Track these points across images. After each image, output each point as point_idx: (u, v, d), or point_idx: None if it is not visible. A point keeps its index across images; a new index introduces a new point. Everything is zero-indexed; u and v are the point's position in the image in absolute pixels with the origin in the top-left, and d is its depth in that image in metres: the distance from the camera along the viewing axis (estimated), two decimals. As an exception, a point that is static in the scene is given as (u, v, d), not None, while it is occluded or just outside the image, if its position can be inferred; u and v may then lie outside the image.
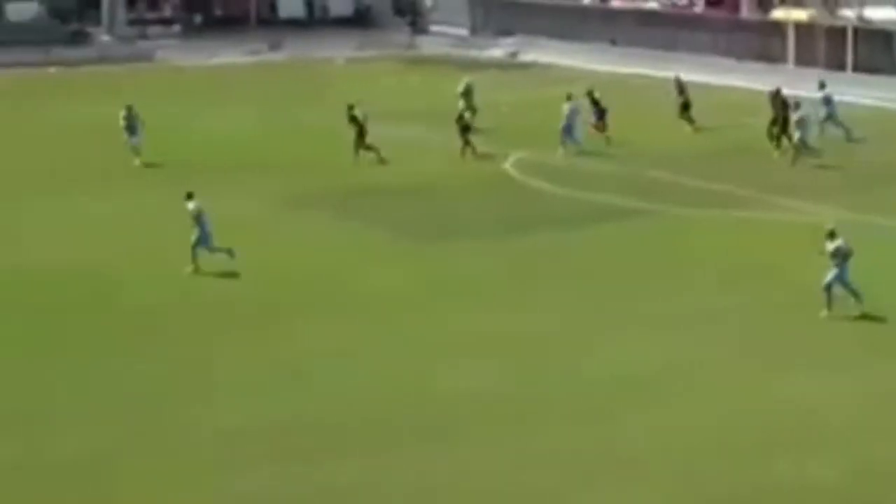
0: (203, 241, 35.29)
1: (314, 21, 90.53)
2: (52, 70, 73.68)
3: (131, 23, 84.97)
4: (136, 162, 47.89)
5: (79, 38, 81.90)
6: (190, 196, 35.72)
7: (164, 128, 50.87)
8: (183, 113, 57.97)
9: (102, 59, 77.65)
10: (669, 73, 57.40)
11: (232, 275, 35.23)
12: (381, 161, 47.87)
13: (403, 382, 28.21)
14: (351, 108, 48.66)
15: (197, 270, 35.30)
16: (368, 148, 48.16)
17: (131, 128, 48.16)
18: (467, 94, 53.79)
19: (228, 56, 78.58)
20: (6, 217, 42.14)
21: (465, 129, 48.65)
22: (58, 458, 24.75)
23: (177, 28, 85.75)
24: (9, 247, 38.70)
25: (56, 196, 44.07)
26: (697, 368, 28.92)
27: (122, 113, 48.27)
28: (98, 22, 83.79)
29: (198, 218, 35.32)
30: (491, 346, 30.16)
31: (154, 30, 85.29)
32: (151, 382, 28.39)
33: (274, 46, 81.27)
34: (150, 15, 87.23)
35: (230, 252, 35.34)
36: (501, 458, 24.47)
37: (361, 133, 48.23)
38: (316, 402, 27.22)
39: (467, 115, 49.95)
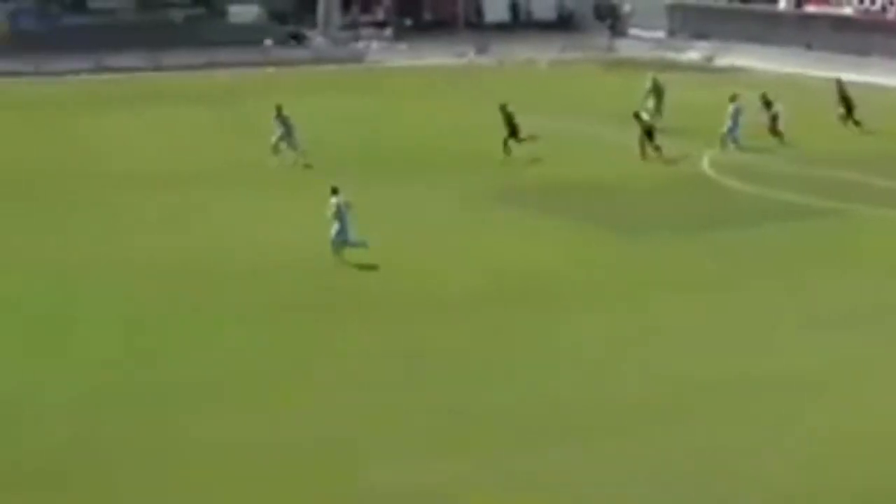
0: (340, 234, 35.49)
1: (518, 25, 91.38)
2: (270, 70, 75.58)
3: (345, 26, 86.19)
4: (274, 162, 48.00)
5: (296, 40, 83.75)
6: (335, 191, 35.90)
7: (369, 126, 52.01)
8: (386, 111, 59.23)
9: (317, 60, 79.30)
10: (865, 78, 57.28)
11: (371, 267, 35.41)
12: (536, 158, 48.22)
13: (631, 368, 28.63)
14: (504, 106, 48.95)
15: (342, 262, 35.49)
16: (522, 141, 48.47)
17: (287, 128, 48.33)
18: (657, 93, 54.22)
19: (435, 58, 79.67)
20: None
21: (648, 130, 48.59)
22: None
23: (388, 31, 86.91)
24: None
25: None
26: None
27: (273, 114, 48.47)
28: (314, 24, 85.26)
29: (338, 212, 35.54)
30: (706, 333, 30.72)
31: (366, 32, 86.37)
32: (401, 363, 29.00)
33: (480, 49, 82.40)
34: (363, 18, 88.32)
35: (364, 244, 35.47)
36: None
37: (514, 130, 48.58)
38: (551, 385, 27.60)
39: (644, 115, 49.88)
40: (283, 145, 48.20)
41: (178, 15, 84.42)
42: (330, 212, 35.67)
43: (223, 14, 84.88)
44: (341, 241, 35.57)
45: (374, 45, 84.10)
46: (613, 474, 23.34)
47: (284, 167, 47.55)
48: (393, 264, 35.70)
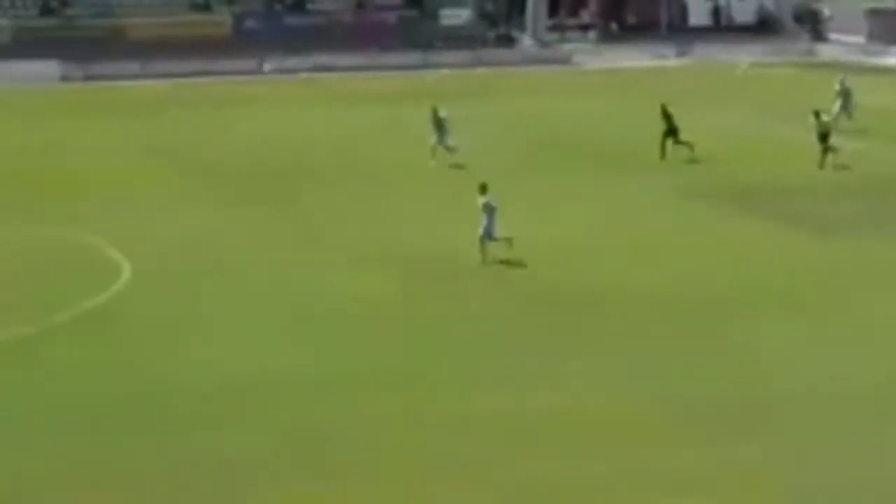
0: (486, 230, 35.27)
1: (720, 28, 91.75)
2: (481, 70, 77.02)
3: (552, 28, 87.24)
4: (432, 162, 47.82)
5: (505, 42, 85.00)
6: (484, 189, 35.84)
7: (571, 126, 52.96)
8: (587, 111, 59.89)
9: (525, 61, 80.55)
10: None
11: (519, 263, 35.26)
12: (694, 160, 47.95)
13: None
14: (664, 106, 48.69)
15: (484, 261, 35.19)
16: (682, 143, 48.08)
17: (441, 128, 48.23)
18: (845, 95, 54.17)
19: (637, 60, 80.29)
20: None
21: (825, 132, 47.20)
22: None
23: (593, 34, 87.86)
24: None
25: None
26: None
27: (429, 115, 48.56)
28: (523, 27, 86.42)
29: (487, 210, 35.45)
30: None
31: (573, 35, 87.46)
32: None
33: (681, 52, 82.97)
34: (570, 21, 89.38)
35: (509, 241, 35.29)
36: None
37: (673, 130, 48.18)
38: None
39: (825, 116, 48.47)
40: (446, 143, 48.26)
41: (389, 17, 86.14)
42: (480, 208, 35.58)
43: (435, 16, 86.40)
44: (487, 236, 35.50)
45: (580, 47, 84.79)
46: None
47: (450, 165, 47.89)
48: (599, 262, 35.84)
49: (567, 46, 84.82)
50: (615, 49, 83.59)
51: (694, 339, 29.64)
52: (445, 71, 76.42)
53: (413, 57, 78.39)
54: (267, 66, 75.59)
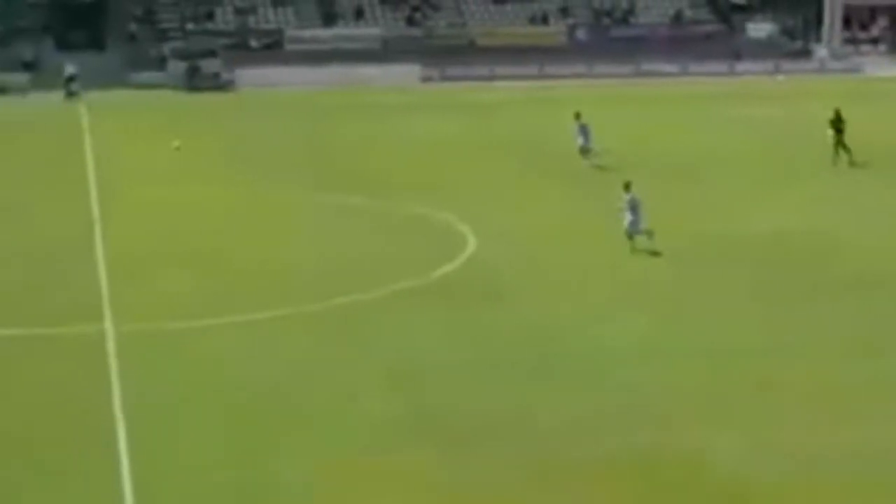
0: (633, 224, 35.19)
1: None
2: (780, 78, 76.78)
3: (846, 41, 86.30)
4: (585, 163, 47.18)
5: (803, 53, 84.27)
6: (627, 187, 35.63)
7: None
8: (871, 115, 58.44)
9: (820, 71, 79.87)
10: None
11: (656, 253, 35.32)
12: (853, 163, 46.96)
13: None
14: (837, 111, 47.41)
15: (633, 251, 35.19)
16: (846, 149, 46.95)
17: (583, 132, 47.43)
18: None
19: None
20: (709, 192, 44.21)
21: None
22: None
23: (883, 46, 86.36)
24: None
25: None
26: None
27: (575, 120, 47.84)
28: (819, 40, 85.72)
29: (631, 205, 35.30)
30: None
31: (864, 48, 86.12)
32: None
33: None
34: (861, 35, 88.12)
35: (650, 234, 35.15)
36: None
37: (840, 134, 46.91)
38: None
39: None
40: (587, 146, 47.46)
41: (702, 30, 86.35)
42: (623, 204, 35.52)
43: (742, 30, 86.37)
44: (633, 230, 35.32)
45: (871, 59, 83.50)
46: None
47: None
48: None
49: (859, 58, 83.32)
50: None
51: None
52: (780, 77, 76.23)
53: (721, 66, 78.48)
54: (594, 71, 76.30)
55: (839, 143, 47.38)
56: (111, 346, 28.40)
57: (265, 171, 48.29)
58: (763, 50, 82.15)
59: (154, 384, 26.07)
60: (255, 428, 23.92)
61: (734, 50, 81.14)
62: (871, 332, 28.89)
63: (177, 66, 75.98)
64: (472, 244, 36.84)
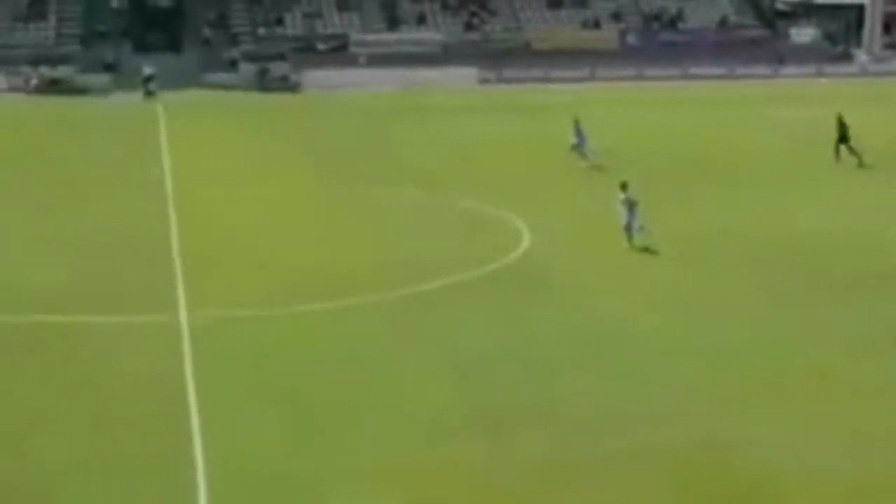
0: (628, 224, 35.09)
1: None
2: (823, 81, 76.34)
3: (886, 46, 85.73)
4: (583, 164, 47.04)
5: (844, 58, 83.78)
6: (624, 187, 35.47)
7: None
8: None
9: (860, 74, 79.48)
10: None
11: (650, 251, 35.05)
12: (861, 164, 46.43)
13: None
14: (840, 115, 47.06)
15: (631, 248, 35.08)
16: (853, 152, 46.45)
17: (579, 136, 47.32)
18: None
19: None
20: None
21: None
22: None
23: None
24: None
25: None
26: None
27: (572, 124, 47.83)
28: (859, 45, 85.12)
29: (626, 204, 35.12)
30: None
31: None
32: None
33: None
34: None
35: (644, 230, 34.95)
36: None
37: (845, 136, 46.50)
38: None
39: None
40: (583, 150, 47.33)
41: (747, 35, 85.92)
42: (619, 204, 35.38)
43: (786, 35, 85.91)
44: (629, 228, 35.26)
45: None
46: None
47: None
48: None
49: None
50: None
51: None
52: (823, 80, 75.66)
53: (765, 69, 78.16)
54: (645, 73, 76.11)
55: (840, 146, 47.11)
56: (185, 334, 28.71)
57: (330, 168, 48.58)
58: (806, 54, 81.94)
59: (224, 370, 26.39)
60: (316, 415, 24.13)
61: (778, 54, 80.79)
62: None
63: (248, 69, 76.70)
64: (526, 240, 36.93)
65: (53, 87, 72.62)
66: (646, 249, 35.38)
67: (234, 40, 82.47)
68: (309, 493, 20.86)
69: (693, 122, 59.41)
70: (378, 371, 26.46)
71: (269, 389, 25.43)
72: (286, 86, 75.05)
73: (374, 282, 32.74)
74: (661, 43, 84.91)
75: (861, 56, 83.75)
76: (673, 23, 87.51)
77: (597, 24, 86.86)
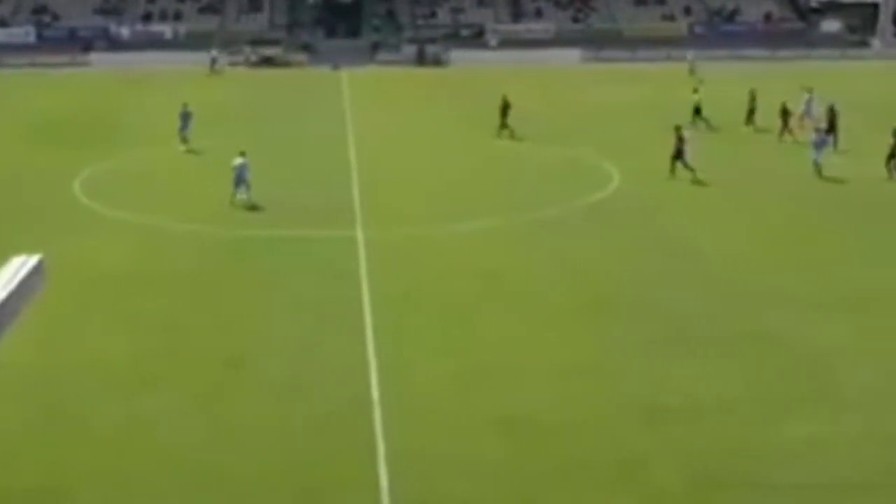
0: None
1: None
2: (842, 62, 73.32)
3: (895, 35, 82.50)
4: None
5: (862, 44, 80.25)
6: (678, 128, 35.01)
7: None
8: None
9: (875, 57, 75.75)
10: None
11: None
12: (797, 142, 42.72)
13: None
14: (809, 87, 44.06)
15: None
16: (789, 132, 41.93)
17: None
18: None
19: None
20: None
21: None
22: None
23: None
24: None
25: None
26: None
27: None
28: (875, 34, 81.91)
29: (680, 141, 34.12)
30: None
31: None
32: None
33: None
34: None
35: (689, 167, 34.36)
36: None
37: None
38: None
39: None
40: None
41: (787, 26, 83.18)
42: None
43: (817, 26, 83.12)
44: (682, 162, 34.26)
45: (913, 47, 79.74)
46: None
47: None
48: None
49: (906, 47, 79.71)
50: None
51: None
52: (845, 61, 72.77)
53: (800, 52, 75.59)
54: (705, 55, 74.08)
55: (786, 126, 43.25)
56: (360, 246, 28.59)
57: (471, 122, 48.10)
58: (832, 41, 79.05)
59: (393, 278, 26.16)
60: (467, 310, 23.78)
61: (810, 41, 78.12)
62: None
63: (409, 49, 76.32)
64: (616, 179, 36.26)
65: (266, 62, 73.03)
66: (697, 182, 34.45)
67: (398, 28, 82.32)
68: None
69: (741, 90, 57.69)
70: (520, 272, 26.17)
71: (433, 292, 25.09)
72: (438, 62, 74.56)
73: (507, 209, 32.34)
74: (721, 32, 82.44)
75: (876, 43, 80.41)
76: (731, 17, 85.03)
77: (672, 18, 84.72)
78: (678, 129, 36.13)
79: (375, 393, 19.28)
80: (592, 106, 53.38)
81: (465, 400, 19.10)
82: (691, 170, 35.20)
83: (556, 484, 16.11)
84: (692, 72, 63.94)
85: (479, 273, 25.95)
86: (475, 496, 15.73)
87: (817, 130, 36.41)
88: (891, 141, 35.13)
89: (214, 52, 70.13)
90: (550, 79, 64.71)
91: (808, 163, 35.58)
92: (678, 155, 35.32)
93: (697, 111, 45.60)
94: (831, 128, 38.82)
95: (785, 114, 42.51)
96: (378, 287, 24.74)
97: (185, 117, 41.57)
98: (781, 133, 42.36)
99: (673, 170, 35.43)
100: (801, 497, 15.90)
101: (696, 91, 46.96)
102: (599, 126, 47.29)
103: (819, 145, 35.26)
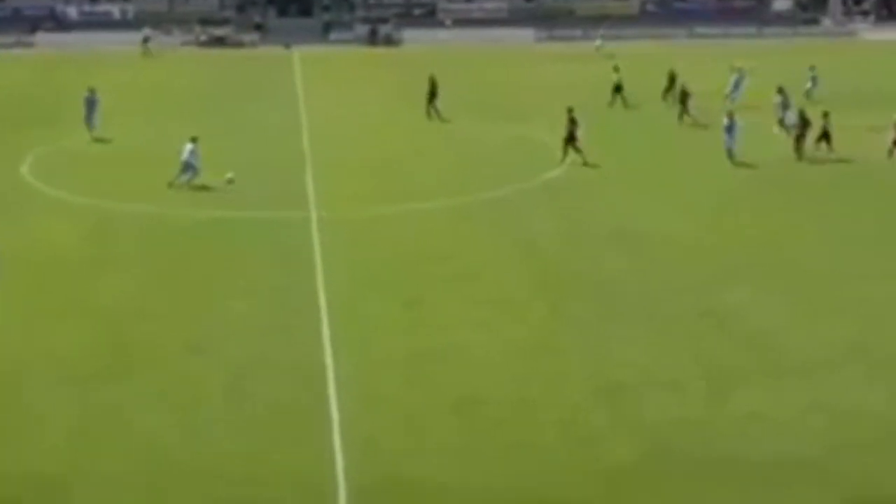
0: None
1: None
2: (796, 40, 73.85)
3: (845, 13, 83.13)
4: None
5: (812, 22, 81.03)
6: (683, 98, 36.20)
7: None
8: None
9: (825, 35, 76.62)
10: None
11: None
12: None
13: None
14: (671, 72, 45.08)
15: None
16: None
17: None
18: None
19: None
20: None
21: None
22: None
23: (871, 17, 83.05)
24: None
25: None
26: None
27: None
28: (825, 12, 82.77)
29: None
30: None
31: (857, 18, 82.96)
32: None
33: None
34: (855, 9, 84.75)
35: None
36: None
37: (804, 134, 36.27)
38: None
39: None
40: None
41: (740, 4, 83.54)
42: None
43: (769, 5, 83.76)
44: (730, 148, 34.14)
45: (863, 26, 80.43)
46: None
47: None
48: None
49: (852, 26, 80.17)
50: (888, 27, 78.21)
51: None
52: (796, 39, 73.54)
53: (753, 30, 76.13)
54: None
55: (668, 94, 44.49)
56: (314, 228, 28.64)
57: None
58: (784, 20, 79.61)
59: (346, 259, 26.27)
60: (421, 282, 23.97)
61: (762, 20, 78.75)
62: None
63: (361, 29, 75.95)
64: (568, 157, 36.35)
65: (217, 42, 72.40)
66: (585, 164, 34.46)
67: (350, 8, 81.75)
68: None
69: (696, 70, 57.88)
70: (469, 251, 26.34)
71: (384, 271, 25.25)
72: (389, 42, 74.33)
73: (459, 189, 32.49)
74: (673, 10, 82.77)
75: (826, 21, 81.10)
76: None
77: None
78: (570, 110, 35.16)
79: (331, 375, 19.41)
80: (545, 85, 53.34)
81: (420, 381, 19.30)
82: (579, 152, 34.76)
83: (511, 462, 16.31)
84: (598, 49, 64.30)
85: (432, 253, 26.10)
86: (431, 476, 15.92)
87: (729, 115, 35.31)
88: (821, 122, 35.28)
89: (147, 31, 68.21)
90: (503, 57, 64.53)
91: (722, 148, 35.21)
92: (570, 138, 34.74)
93: (618, 89, 45.96)
94: (802, 135, 35.70)
95: (684, 95, 41.96)
96: (332, 268, 24.83)
97: (91, 104, 39.31)
98: (681, 116, 41.73)
99: (565, 154, 34.90)
100: (749, 470, 16.29)
101: (616, 70, 47.41)
102: (551, 105, 47.32)
103: (729, 130, 34.44)
